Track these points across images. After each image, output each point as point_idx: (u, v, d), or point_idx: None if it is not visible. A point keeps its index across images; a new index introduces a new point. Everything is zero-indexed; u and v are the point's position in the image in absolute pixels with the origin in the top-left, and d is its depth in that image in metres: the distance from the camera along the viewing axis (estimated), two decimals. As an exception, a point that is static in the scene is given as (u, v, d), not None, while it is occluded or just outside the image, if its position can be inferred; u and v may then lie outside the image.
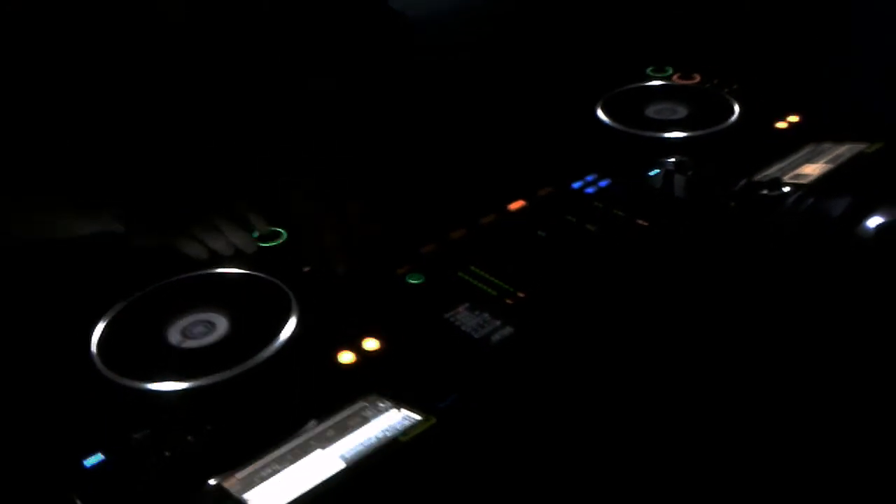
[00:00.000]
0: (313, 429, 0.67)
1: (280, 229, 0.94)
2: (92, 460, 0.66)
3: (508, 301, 0.81)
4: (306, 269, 0.87)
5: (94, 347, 0.78)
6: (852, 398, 0.72)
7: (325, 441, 0.66)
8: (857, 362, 0.75)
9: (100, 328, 0.81)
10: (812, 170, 0.95)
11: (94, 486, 0.64)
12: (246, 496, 0.61)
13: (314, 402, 0.70)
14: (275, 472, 0.63)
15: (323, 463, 0.64)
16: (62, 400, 0.73)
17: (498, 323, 0.78)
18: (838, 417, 0.71)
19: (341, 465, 0.63)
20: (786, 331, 0.78)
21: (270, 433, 0.67)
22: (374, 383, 0.71)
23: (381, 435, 0.66)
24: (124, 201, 0.91)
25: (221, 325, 0.80)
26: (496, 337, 0.76)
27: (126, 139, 0.98)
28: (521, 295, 0.82)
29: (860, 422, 0.70)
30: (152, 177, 0.96)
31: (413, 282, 0.85)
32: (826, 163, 0.97)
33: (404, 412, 0.68)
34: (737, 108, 1.12)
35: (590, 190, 0.98)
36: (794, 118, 1.10)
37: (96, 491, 0.64)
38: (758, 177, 0.95)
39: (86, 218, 0.90)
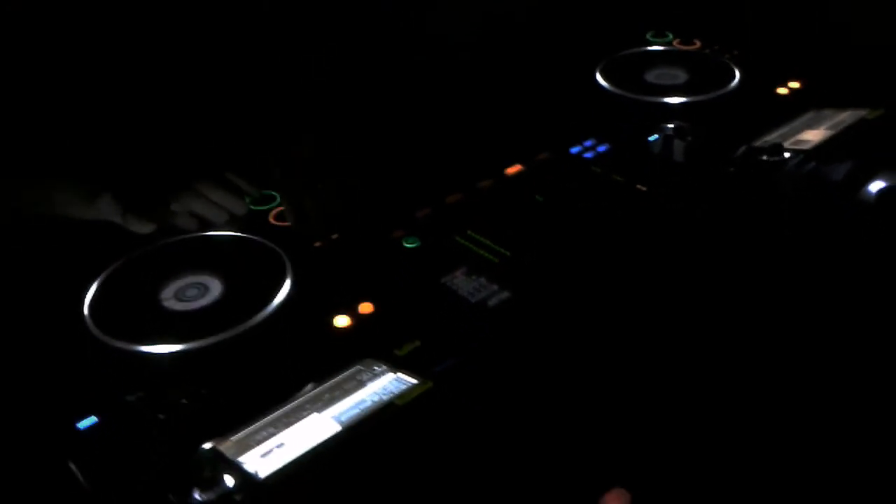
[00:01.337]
0: (309, 392, 0.66)
1: (273, 192, 0.93)
2: (85, 423, 0.66)
3: (505, 266, 0.80)
4: (318, 244, 0.86)
5: (86, 310, 0.77)
6: (855, 367, 0.72)
7: (320, 404, 0.65)
8: (860, 329, 0.75)
9: (92, 290, 0.80)
10: (813, 136, 0.94)
11: (87, 449, 0.64)
12: (241, 459, 0.61)
13: (309, 365, 0.69)
14: (270, 435, 0.63)
15: (319, 426, 0.63)
16: (55, 362, 0.72)
17: (495, 287, 0.77)
18: (840, 386, 0.71)
19: (337, 429, 0.63)
20: (787, 297, 0.78)
21: (266, 397, 0.66)
22: (369, 347, 0.71)
23: (377, 398, 0.65)
24: (118, 186, 0.88)
25: (215, 288, 0.80)
26: (493, 301, 0.76)
27: (114, 118, 0.96)
28: (517, 259, 0.81)
29: (863, 391, 0.70)
30: (141, 154, 0.94)
31: (409, 246, 0.84)
32: (827, 129, 0.96)
33: (401, 376, 0.67)
34: (737, 74, 1.11)
35: (588, 155, 0.97)
36: (795, 84, 1.09)
37: (90, 453, 0.64)
38: (758, 142, 0.94)
39: (82, 207, 0.88)
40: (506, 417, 0.66)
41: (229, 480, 0.59)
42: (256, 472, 0.60)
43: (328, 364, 0.69)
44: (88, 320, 0.76)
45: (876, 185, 0.82)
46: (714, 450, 0.66)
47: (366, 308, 0.76)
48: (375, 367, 0.68)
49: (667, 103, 1.06)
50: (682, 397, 0.71)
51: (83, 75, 0.94)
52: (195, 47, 1.01)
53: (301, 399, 0.66)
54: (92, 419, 0.66)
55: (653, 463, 0.67)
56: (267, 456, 0.61)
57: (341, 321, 0.75)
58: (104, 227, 0.88)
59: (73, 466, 0.62)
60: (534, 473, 0.63)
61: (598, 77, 1.13)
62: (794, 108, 1.03)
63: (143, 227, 0.86)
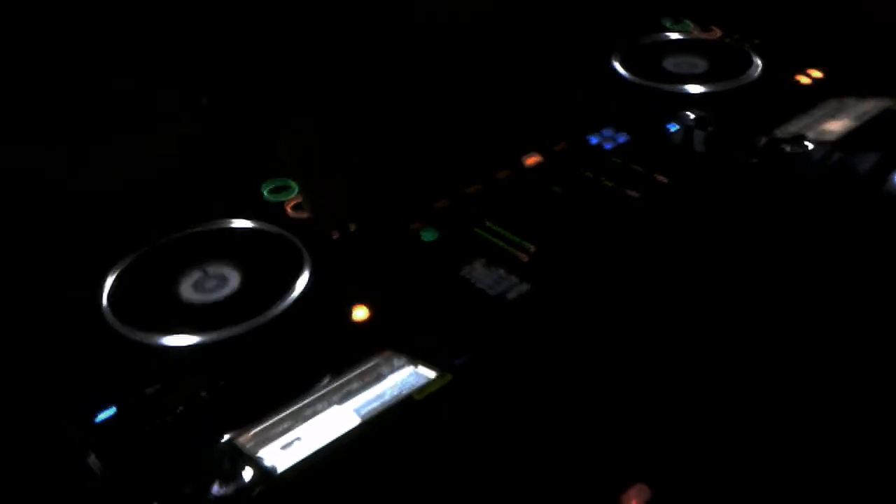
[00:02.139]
0: (328, 385, 0.66)
1: (291, 182, 0.93)
2: (104, 415, 0.66)
3: (524, 257, 0.79)
4: (336, 236, 0.85)
5: (105, 301, 0.77)
6: (880, 359, 0.71)
7: (340, 397, 0.65)
8: (886, 322, 0.73)
9: (111, 281, 0.80)
10: (836, 126, 0.93)
11: (106, 440, 0.64)
12: (260, 453, 0.61)
13: (328, 358, 0.69)
14: (289, 428, 0.63)
15: (337, 419, 0.63)
16: (74, 354, 0.72)
17: (514, 279, 0.77)
18: (865, 380, 0.70)
19: (356, 422, 0.63)
20: (811, 289, 0.76)
21: (284, 389, 0.66)
22: (388, 340, 0.70)
23: (396, 392, 0.65)
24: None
25: (234, 279, 0.79)
26: (512, 294, 0.75)
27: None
28: (537, 251, 0.80)
29: (888, 383, 0.69)
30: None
31: (427, 238, 0.83)
32: (851, 119, 0.94)
33: (420, 369, 0.67)
34: (758, 63, 1.10)
35: (608, 145, 0.96)
36: (816, 73, 1.08)
37: (108, 445, 0.63)
38: (780, 133, 0.93)
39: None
40: (525, 411, 0.66)
41: (248, 474, 0.59)
42: (275, 467, 0.60)
43: (347, 356, 0.69)
44: (107, 312, 0.76)
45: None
46: (734, 445, 0.65)
47: (384, 301, 0.75)
48: (395, 360, 0.68)
49: (687, 92, 1.05)
50: (702, 392, 0.70)
51: (93, 54, 0.94)
52: (209, 30, 1.01)
53: (320, 392, 0.66)
54: (111, 411, 0.66)
55: (673, 459, 0.66)
56: (286, 449, 0.61)
57: (360, 313, 0.74)
58: (122, 217, 0.88)
59: (91, 457, 0.62)
60: (554, 468, 0.62)
61: (617, 65, 1.12)
62: (816, 98, 1.01)
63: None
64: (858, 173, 0.83)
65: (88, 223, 0.88)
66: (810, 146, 0.88)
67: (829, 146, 0.87)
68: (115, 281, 0.80)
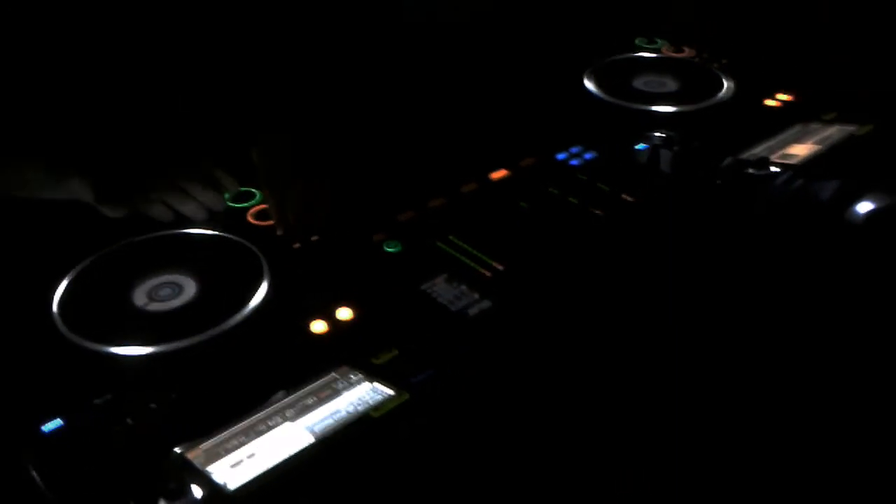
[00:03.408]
0: (282, 400, 0.65)
1: (253, 189, 0.91)
2: (50, 426, 0.64)
3: (487, 273, 0.79)
4: (297, 245, 0.84)
5: (55, 308, 0.75)
6: (839, 382, 0.71)
7: (293, 413, 0.64)
8: (846, 349, 0.74)
9: (62, 288, 0.78)
10: (799, 150, 0.93)
11: (51, 453, 0.62)
12: (210, 468, 0.59)
13: (284, 372, 0.68)
14: (240, 444, 0.61)
15: (290, 436, 0.62)
16: (21, 362, 0.70)
17: (476, 296, 0.76)
18: (824, 399, 0.70)
19: (310, 440, 0.61)
20: (771, 313, 0.77)
21: (237, 403, 0.64)
22: (346, 354, 0.69)
23: (351, 409, 0.64)
24: (92, 166, 0.86)
25: (189, 288, 0.78)
26: (473, 310, 0.74)
27: (93, 100, 0.94)
28: (500, 267, 0.79)
29: (846, 403, 0.70)
30: (119, 139, 0.92)
31: (390, 250, 0.82)
32: (814, 143, 0.95)
33: (377, 386, 0.66)
34: (727, 84, 1.10)
35: (575, 162, 0.96)
36: (785, 96, 1.08)
37: (53, 458, 0.62)
38: (745, 155, 0.93)
39: (54, 184, 0.86)
40: (483, 431, 0.65)
41: (197, 491, 0.58)
42: (225, 484, 0.58)
43: (304, 370, 0.68)
44: (57, 318, 0.74)
45: (864, 207, 0.81)
46: (694, 472, 0.65)
47: (344, 314, 0.74)
48: (351, 376, 0.67)
49: (655, 111, 1.05)
50: (663, 412, 0.70)
51: (68, 60, 0.92)
52: (182, 35, 0.99)
53: (274, 407, 0.64)
54: (57, 422, 0.64)
55: (631, 475, 0.66)
56: (237, 466, 0.60)
57: (318, 326, 0.73)
58: (77, 220, 0.86)
59: (33, 472, 0.60)
60: (511, 490, 0.62)
61: (587, 82, 1.12)
62: (784, 121, 1.02)
63: (115, 211, 0.84)
64: (820, 200, 0.84)
65: (39, 227, 0.86)
66: (773, 169, 0.88)
67: (791, 171, 0.88)
68: (67, 286, 0.78)
